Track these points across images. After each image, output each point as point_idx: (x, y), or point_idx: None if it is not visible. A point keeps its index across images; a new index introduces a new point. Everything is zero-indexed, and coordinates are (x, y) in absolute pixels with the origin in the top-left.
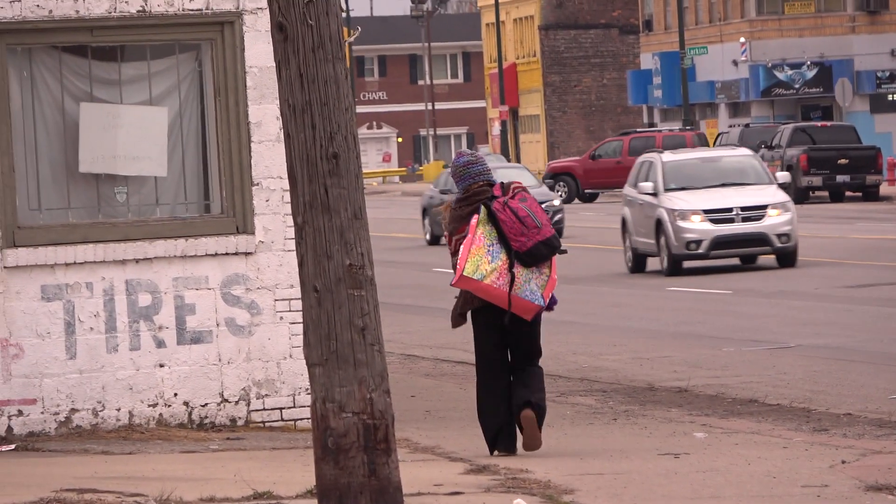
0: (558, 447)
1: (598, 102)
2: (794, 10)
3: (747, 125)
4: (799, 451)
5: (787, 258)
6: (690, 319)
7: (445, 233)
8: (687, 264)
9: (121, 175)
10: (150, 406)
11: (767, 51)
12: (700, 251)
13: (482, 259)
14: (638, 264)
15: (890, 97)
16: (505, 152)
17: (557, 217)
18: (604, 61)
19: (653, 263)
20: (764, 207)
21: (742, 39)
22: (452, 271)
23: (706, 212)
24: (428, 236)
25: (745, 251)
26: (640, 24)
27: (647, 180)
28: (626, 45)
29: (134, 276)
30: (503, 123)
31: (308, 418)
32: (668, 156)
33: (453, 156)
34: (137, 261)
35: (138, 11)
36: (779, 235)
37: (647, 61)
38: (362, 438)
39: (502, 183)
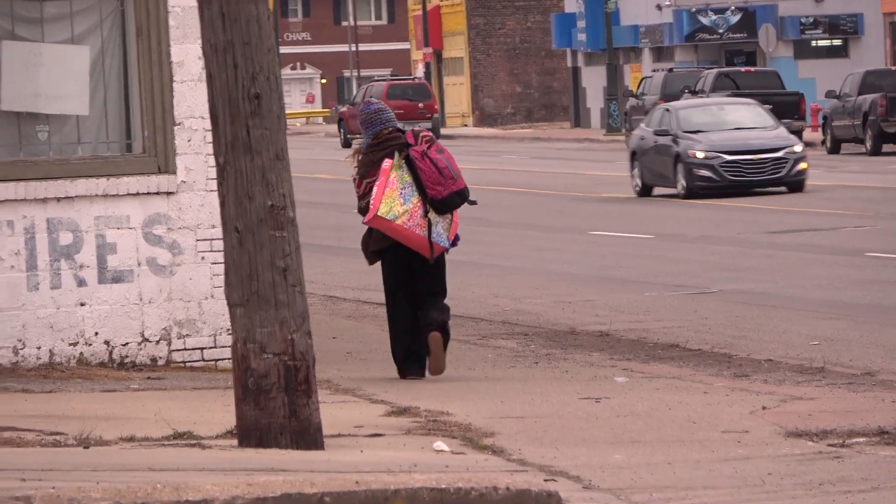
0: (479, 390)
1: (522, 45)
2: None
3: (671, 70)
4: (720, 396)
5: None
6: (613, 264)
7: (354, 176)
8: None
9: (42, 113)
10: (70, 345)
11: None
12: None
13: (395, 201)
14: None
15: (813, 43)
16: None
17: (799, 167)
18: (528, 4)
19: None
20: None
21: None
22: (359, 213)
23: None
24: (638, 185)
25: None
26: None
27: None
28: None
29: (55, 214)
30: (427, 66)
31: (229, 359)
32: None
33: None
34: (59, 199)
35: None
36: None
37: (572, 5)
38: (283, 379)
39: (413, 130)
